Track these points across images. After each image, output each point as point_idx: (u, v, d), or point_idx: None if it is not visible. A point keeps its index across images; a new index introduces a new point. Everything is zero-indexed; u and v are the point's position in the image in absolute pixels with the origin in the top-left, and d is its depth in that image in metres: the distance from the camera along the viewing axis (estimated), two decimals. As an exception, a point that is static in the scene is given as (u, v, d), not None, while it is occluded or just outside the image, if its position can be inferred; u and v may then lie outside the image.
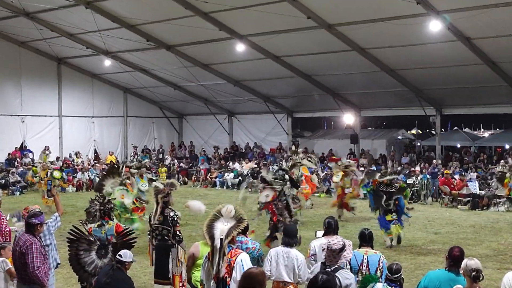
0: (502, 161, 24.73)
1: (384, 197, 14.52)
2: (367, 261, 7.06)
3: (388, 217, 14.35)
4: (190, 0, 21.26)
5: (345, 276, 6.26)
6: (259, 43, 24.12)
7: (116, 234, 8.27)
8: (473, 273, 5.66)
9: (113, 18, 23.85)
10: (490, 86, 23.86)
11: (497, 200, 20.77)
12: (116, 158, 32.42)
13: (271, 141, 33.56)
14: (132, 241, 7.94)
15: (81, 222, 8.30)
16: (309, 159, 20.42)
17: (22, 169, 27.78)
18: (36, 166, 22.53)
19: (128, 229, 8.30)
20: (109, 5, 23.13)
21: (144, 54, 27.59)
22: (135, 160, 29.06)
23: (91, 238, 7.97)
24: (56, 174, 20.81)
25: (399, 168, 18.87)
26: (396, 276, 6.50)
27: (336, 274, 6.14)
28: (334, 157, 28.55)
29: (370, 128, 36.98)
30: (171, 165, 31.55)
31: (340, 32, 21.82)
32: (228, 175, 28.77)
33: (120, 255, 7.01)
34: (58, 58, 31.47)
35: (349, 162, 20.56)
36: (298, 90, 29.33)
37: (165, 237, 9.30)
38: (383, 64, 24.11)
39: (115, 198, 12.48)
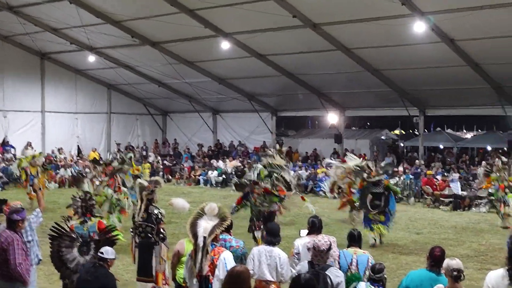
0: (483, 162, 24.96)
1: (370, 197, 14.65)
2: (357, 261, 7.11)
3: (370, 215, 14.44)
4: (175, -3, 21.23)
5: (335, 274, 6.32)
6: (244, 41, 24.13)
7: (98, 231, 8.21)
8: (454, 273, 5.70)
9: (97, 14, 23.71)
10: (473, 88, 24.05)
11: (479, 201, 20.95)
12: (99, 154, 32.19)
13: (255, 139, 33.56)
14: (115, 238, 7.90)
15: (63, 219, 8.23)
16: (281, 156, 20.46)
17: (4, 165, 27.49)
18: (21, 159, 22.09)
19: (111, 226, 8.25)
20: (93, 0, 22.98)
21: (129, 50, 27.47)
22: (118, 157, 28.93)
23: (73, 235, 7.91)
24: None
25: (382, 164, 18.64)
26: (378, 275, 6.55)
27: (326, 272, 6.20)
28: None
29: (354, 128, 37.13)
30: (154, 163, 31.42)
31: (325, 31, 21.88)
32: (212, 173, 28.72)
33: (101, 252, 6.96)
34: (42, 53, 31.22)
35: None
36: (283, 88, 29.36)
37: (149, 234, 9.25)
38: (368, 64, 24.22)
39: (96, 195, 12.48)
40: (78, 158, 31.24)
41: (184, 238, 8.02)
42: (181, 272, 7.64)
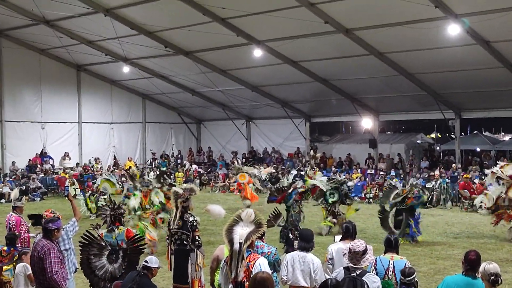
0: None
1: (392, 215, 15.26)
2: (393, 266, 7.07)
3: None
4: (207, 6, 21.36)
5: (372, 279, 6.33)
6: (276, 48, 24.18)
7: (126, 239, 8.32)
8: (492, 277, 5.63)
9: (131, 25, 24.06)
10: (510, 89, 23.64)
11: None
12: (135, 163, 32.60)
13: (289, 146, 33.56)
14: (142, 247, 7.99)
15: (92, 227, 8.37)
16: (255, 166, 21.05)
17: (42, 175, 28.06)
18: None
19: (139, 235, 8.34)
20: (127, 12, 23.33)
21: (162, 60, 27.78)
22: (153, 166, 29.28)
23: (103, 243, 8.03)
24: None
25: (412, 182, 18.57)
26: (409, 279, 6.51)
27: (363, 278, 6.19)
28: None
29: (388, 132, 36.86)
30: (189, 170, 31.64)
31: (358, 36, 21.80)
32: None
33: (146, 261, 7.04)
34: (78, 65, 31.80)
35: None
36: (316, 94, 29.32)
37: (184, 242, 9.33)
38: (401, 68, 24.03)
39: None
40: (114, 167, 31.66)
41: (223, 244, 8.10)
42: (219, 278, 7.71)
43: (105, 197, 19.73)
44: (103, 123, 33.73)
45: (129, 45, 25.65)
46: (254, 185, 21.74)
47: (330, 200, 16.61)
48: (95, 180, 28.31)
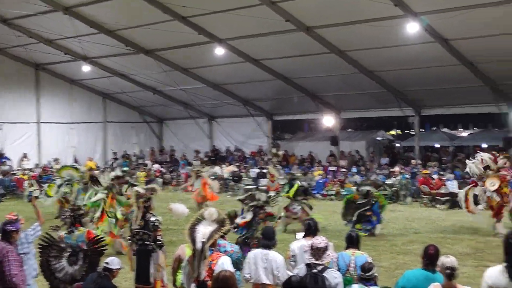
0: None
1: (358, 211, 15.79)
2: (355, 262, 7.15)
3: (357, 226, 15.33)
4: (168, 4, 21.21)
5: (333, 275, 6.41)
6: (237, 47, 24.19)
7: (87, 240, 8.23)
8: (448, 271, 5.74)
9: (91, 24, 23.76)
10: (468, 87, 24.10)
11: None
12: (96, 164, 32.19)
13: (251, 144, 33.60)
14: (103, 248, 7.90)
15: (52, 228, 8.23)
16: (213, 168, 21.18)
17: (1, 176, 27.47)
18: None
19: (99, 236, 8.25)
20: (87, 10, 23.02)
21: (123, 59, 27.50)
22: (114, 166, 28.97)
23: (62, 245, 7.91)
24: None
25: (377, 171, 19.22)
26: (369, 274, 6.59)
27: (324, 274, 6.26)
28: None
29: (349, 130, 37.15)
30: (150, 169, 31.39)
31: (318, 34, 21.95)
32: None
33: (107, 262, 6.98)
34: (36, 64, 31.22)
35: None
36: (278, 92, 29.42)
37: (146, 242, 9.27)
38: (362, 65, 24.29)
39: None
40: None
41: (184, 243, 8.07)
42: (181, 278, 7.69)
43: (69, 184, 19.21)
44: (63, 123, 33.13)
45: (89, 44, 25.31)
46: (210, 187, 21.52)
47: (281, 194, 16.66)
48: (54, 182, 27.92)
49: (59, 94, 32.86)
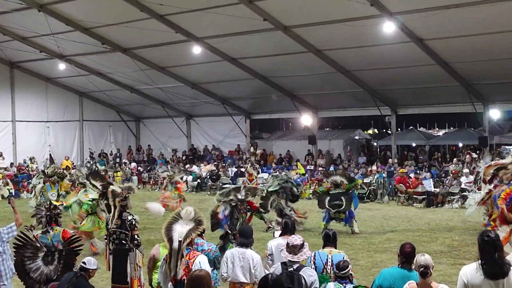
0: (455, 159, 25.37)
1: (329, 197, 15.91)
2: (332, 261, 7.18)
3: (332, 214, 15.78)
4: (145, 2, 21.09)
5: (308, 273, 6.42)
6: (215, 45, 24.13)
7: (63, 240, 8.15)
8: (421, 269, 5.78)
9: (67, 21, 23.53)
10: (444, 86, 24.36)
11: (451, 197, 21.27)
12: (72, 163, 31.93)
13: (229, 143, 33.58)
14: (78, 248, 7.84)
15: (26, 228, 8.13)
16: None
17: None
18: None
19: (75, 236, 8.17)
20: (62, 8, 22.79)
21: (100, 57, 27.27)
22: (92, 165, 28.74)
23: (37, 244, 7.83)
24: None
25: (354, 170, 19.53)
26: (343, 272, 6.62)
27: (300, 272, 6.28)
28: None
29: (327, 129, 37.30)
30: (128, 169, 31.23)
31: (296, 33, 22.00)
32: (186, 178, 28.64)
33: (84, 262, 6.92)
34: (11, 62, 30.89)
35: None
36: (256, 91, 29.43)
37: (123, 241, 9.21)
38: (339, 65, 24.40)
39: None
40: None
41: (159, 243, 8.04)
42: (156, 277, 7.65)
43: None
44: (39, 121, 32.85)
45: (65, 41, 25.05)
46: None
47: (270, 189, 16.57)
48: (30, 180, 27.63)
49: (35, 93, 32.52)
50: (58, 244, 7.99)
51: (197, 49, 23.91)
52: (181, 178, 22.71)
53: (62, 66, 28.67)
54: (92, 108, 35.20)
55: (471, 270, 5.78)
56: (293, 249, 6.54)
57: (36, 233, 8.17)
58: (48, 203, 9.08)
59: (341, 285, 6.58)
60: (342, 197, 15.88)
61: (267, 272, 6.99)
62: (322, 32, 21.15)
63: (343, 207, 15.75)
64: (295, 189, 16.83)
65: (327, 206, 15.88)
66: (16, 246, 7.81)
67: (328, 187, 16.36)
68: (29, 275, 7.66)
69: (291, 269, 6.38)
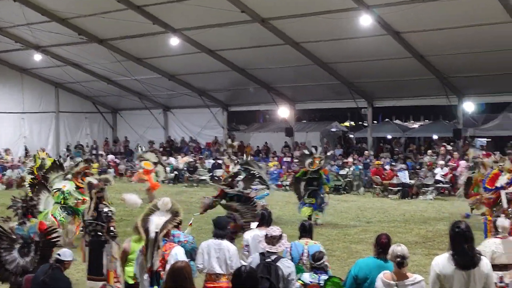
0: (430, 151, 25.65)
1: (304, 183, 16.05)
2: (308, 251, 7.25)
3: (306, 200, 15.91)
4: (122, -7, 21.02)
5: (286, 265, 6.49)
6: (193, 37, 24.06)
7: (39, 232, 8.11)
8: (398, 259, 5.87)
9: (42, 11, 23.26)
10: (419, 79, 24.59)
11: (426, 189, 21.54)
12: (48, 154, 31.58)
13: (207, 135, 33.55)
14: (55, 240, 7.81)
15: (2, 219, 8.08)
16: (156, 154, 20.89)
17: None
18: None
19: (52, 227, 8.14)
20: (38, -3, 22.57)
21: (76, 48, 27.01)
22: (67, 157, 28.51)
23: (13, 236, 7.79)
24: None
25: (328, 154, 19.71)
26: (319, 263, 6.70)
27: (278, 263, 6.35)
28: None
29: (304, 121, 37.42)
30: (104, 161, 31.03)
31: (274, 26, 22.04)
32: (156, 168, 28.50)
33: (59, 254, 6.91)
34: (-15, 52, 30.48)
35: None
36: (233, 83, 29.43)
37: (99, 233, 9.19)
38: (316, 57, 24.51)
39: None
40: (26, 158, 30.59)
41: (131, 237, 8.09)
42: (128, 270, 7.77)
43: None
44: (14, 113, 32.47)
45: (41, 32, 24.76)
46: (156, 174, 20.87)
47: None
48: (5, 172, 27.40)
49: (10, 83, 32.12)
50: (34, 235, 7.95)
51: (174, 41, 23.84)
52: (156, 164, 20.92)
53: (38, 57, 28.34)
54: (68, 99, 34.88)
55: (442, 261, 5.88)
56: (272, 240, 6.61)
57: (12, 224, 8.12)
58: (25, 194, 9.01)
59: (316, 275, 6.66)
60: (315, 182, 16.04)
61: (243, 263, 7.05)
62: (300, 25, 21.21)
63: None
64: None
65: (302, 191, 16.04)
66: None
67: (306, 168, 16.29)
68: (5, 267, 7.61)
69: (269, 260, 6.45)
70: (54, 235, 7.80)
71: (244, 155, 17.37)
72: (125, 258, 7.87)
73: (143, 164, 19.96)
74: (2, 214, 9.02)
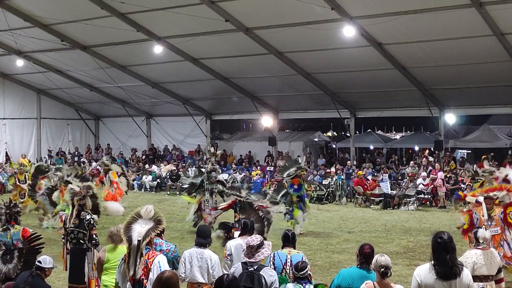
0: (411, 162, 25.84)
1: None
2: (291, 261, 7.25)
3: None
4: (106, 0, 20.92)
5: (269, 273, 6.49)
6: (177, 45, 24.05)
7: (22, 239, 8.05)
8: (382, 269, 5.88)
9: (25, 17, 23.13)
10: (401, 90, 24.78)
11: (407, 199, 21.66)
12: (29, 161, 31.36)
13: (190, 143, 33.49)
14: (39, 246, 7.75)
15: None
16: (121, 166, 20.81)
17: None
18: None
19: (36, 234, 8.08)
20: (21, 3, 22.42)
21: (59, 54, 26.89)
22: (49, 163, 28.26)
23: None
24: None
25: (314, 172, 19.77)
26: (302, 273, 6.70)
27: (261, 272, 6.34)
28: None
29: (287, 131, 37.52)
30: (87, 168, 30.75)
31: (258, 35, 22.11)
32: (146, 178, 28.49)
33: (39, 261, 6.85)
34: (-34, 57, 30.19)
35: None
36: (217, 92, 29.44)
37: (81, 240, 9.14)
38: (300, 67, 24.61)
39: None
40: (6, 165, 30.30)
41: (105, 246, 8.07)
42: (104, 279, 7.80)
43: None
44: (-5, 118, 32.25)
45: (23, 37, 24.61)
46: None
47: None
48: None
49: (-9, 89, 31.85)
50: (17, 242, 7.89)
51: (158, 49, 23.82)
52: (121, 175, 20.12)
53: (20, 62, 28.14)
54: (50, 105, 34.68)
55: (424, 271, 5.92)
56: (250, 249, 6.59)
57: None
58: (8, 200, 8.91)
59: (300, 285, 6.65)
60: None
61: (226, 272, 7.04)
62: (284, 35, 21.31)
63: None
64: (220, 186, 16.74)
65: (279, 198, 16.00)
66: None
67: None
68: None
69: (252, 269, 6.44)
70: (38, 241, 7.74)
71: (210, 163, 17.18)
72: (100, 267, 7.85)
73: (110, 174, 19.63)
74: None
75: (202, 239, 7.54)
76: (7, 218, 8.41)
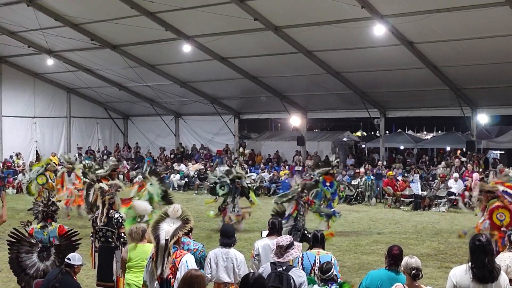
0: (443, 162, 25.44)
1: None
2: (319, 262, 7.15)
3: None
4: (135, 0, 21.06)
5: (298, 274, 6.39)
6: (206, 44, 24.05)
7: (59, 236, 8.08)
8: (413, 271, 5.77)
9: (56, 17, 23.37)
10: (432, 90, 24.42)
11: (438, 200, 21.33)
12: (59, 159, 31.70)
13: (218, 142, 33.50)
14: (76, 242, 7.78)
15: (22, 224, 8.06)
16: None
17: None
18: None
19: (72, 231, 8.11)
20: (52, 2, 22.66)
21: (89, 53, 27.12)
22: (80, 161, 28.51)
23: (33, 240, 7.77)
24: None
25: (343, 172, 19.52)
26: (327, 275, 6.58)
27: (289, 273, 6.24)
28: None
29: (316, 130, 37.29)
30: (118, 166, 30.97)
31: (287, 34, 21.98)
32: (174, 177, 28.56)
33: (69, 258, 6.85)
34: (-1, 56, 30.66)
35: None
36: (245, 91, 29.39)
37: (109, 239, 9.17)
38: (329, 66, 24.41)
39: None
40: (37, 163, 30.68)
41: (129, 244, 8.08)
42: (127, 277, 7.80)
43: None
44: (25, 117, 32.62)
45: (54, 37, 24.88)
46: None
47: (220, 193, 16.71)
48: (16, 176, 27.45)
49: (22, 88, 32.27)
50: (54, 240, 7.94)
51: (187, 48, 23.85)
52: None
53: (50, 61, 28.47)
54: (79, 104, 35.02)
55: (460, 272, 5.81)
56: (279, 250, 6.52)
57: (30, 228, 8.10)
58: (46, 199, 8.96)
59: (327, 286, 6.55)
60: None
61: (252, 271, 6.95)
62: (313, 33, 21.15)
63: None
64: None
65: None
66: (10, 242, 7.73)
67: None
68: (25, 271, 7.62)
69: (280, 269, 6.35)
70: (75, 237, 7.79)
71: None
72: (124, 266, 7.85)
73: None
74: (13, 219, 8.98)
75: (227, 238, 7.50)
76: (43, 216, 8.45)
